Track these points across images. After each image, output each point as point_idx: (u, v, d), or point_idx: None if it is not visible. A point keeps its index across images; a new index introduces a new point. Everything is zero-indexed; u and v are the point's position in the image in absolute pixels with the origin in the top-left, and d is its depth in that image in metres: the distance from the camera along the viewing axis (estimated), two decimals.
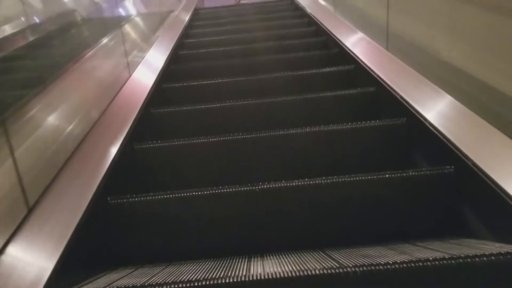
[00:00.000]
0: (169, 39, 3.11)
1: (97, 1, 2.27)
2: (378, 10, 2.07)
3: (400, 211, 1.28)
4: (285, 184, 1.26)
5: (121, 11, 2.67)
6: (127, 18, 2.59)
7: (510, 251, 0.85)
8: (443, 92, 1.44)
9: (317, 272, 0.86)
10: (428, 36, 1.61)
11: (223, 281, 0.87)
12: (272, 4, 4.99)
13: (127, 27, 2.41)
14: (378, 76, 1.85)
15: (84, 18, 2.06)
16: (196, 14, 4.68)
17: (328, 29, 2.88)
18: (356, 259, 0.93)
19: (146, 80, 2.19)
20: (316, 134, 1.60)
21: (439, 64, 1.50)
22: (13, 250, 0.91)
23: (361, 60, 2.11)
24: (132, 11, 2.92)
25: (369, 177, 1.25)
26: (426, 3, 1.62)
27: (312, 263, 0.95)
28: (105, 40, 1.90)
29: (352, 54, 2.26)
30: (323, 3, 3.52)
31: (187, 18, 4.05)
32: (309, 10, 3.66)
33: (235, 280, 0.88)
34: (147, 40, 2.71)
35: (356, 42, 2.38)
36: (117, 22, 2.30)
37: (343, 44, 2.46)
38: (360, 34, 2.41)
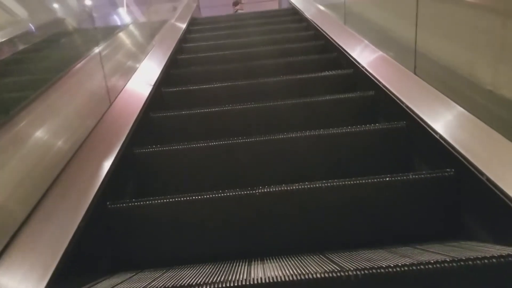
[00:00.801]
0: (171, 38, 3.22)
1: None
2: (403, 27, 1.81)
3: (401, 214, 1.28)
4: (285, 188, 1.26)
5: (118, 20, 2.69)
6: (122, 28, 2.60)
7: (511, 253, 0.85)
8: (443, 95, 1.44)
9: (319, 275, 0.86)
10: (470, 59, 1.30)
11: (224, 285, 0.87)
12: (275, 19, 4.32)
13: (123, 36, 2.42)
14: (377, 80, 1.85)
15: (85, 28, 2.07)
16: (195, 19, 4.71)
17: (325, 31, 2.89)
18: (357, 263, 0.92)
19: (145, 84, 2.19)
20: (317, 137, 1.61)
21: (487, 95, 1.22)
22: (11, 254, 0.90)
23: (360, 65, 2.12)
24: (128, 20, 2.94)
25: (369, 181, 1.25)
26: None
27: (313, 267, 0.95)
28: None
29: (352, 59, 2.27)
30: (327, 12, 3.41)
31: (185, 23, 4.07)
32: (308, 15, 3.66)
33: (235, 284, 0.88)
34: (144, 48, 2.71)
35: (360, 49, 2.39)
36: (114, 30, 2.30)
37: (343, 49, 2.47)
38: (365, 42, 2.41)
